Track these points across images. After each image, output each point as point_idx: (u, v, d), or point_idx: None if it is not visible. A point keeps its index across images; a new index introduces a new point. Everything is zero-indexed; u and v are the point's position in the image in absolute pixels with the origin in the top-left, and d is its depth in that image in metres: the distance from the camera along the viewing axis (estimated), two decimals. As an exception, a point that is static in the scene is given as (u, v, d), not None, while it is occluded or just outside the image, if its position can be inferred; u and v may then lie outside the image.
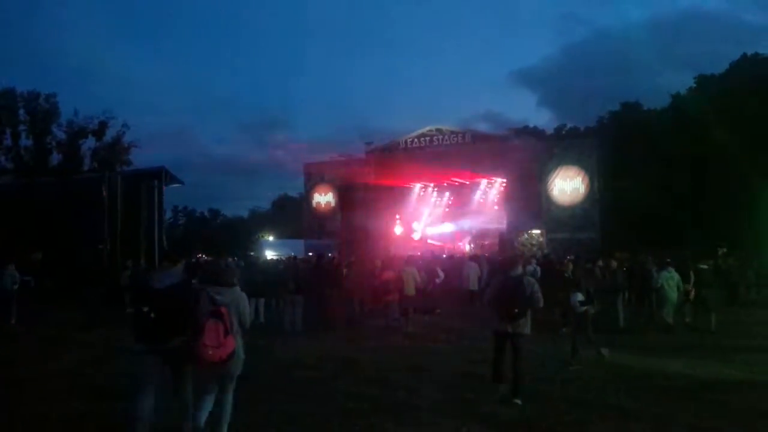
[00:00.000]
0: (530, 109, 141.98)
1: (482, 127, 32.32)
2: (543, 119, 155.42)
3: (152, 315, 4.82)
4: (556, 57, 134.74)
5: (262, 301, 14.38)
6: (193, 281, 5.46)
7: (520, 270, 7.14)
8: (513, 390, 6.70)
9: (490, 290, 7.16)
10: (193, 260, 21.28)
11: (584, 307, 9.15)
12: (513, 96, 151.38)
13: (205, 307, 4.90)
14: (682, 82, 77.70)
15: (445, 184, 35.89)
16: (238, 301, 5.15)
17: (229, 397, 5.13)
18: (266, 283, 14.43)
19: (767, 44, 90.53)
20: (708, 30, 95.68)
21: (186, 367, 5.00)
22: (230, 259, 21.77)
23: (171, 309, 4.81)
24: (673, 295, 12.35)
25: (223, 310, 4.91)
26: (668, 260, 13.23)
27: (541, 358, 9.08)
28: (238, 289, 5.25)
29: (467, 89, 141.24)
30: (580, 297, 9.14)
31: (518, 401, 6.56)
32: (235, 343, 4.95)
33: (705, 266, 13.69)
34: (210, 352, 4.72)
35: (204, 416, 5.12)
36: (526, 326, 6.86)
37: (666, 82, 70.73)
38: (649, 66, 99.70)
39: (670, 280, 12.40)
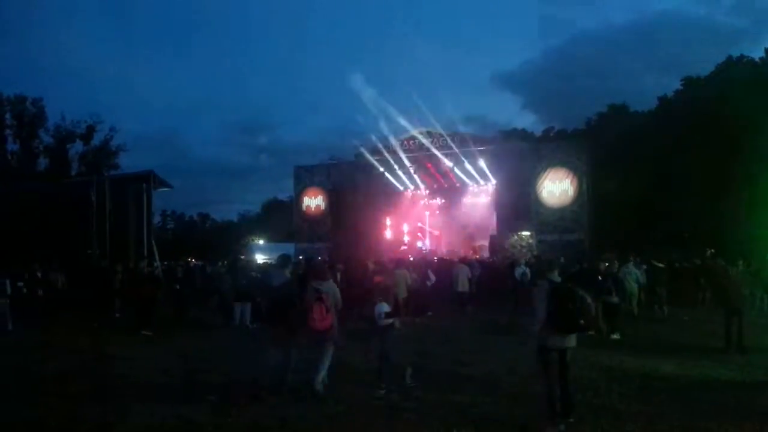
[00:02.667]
0: (514, 111, 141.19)
1: (466, 129, 32.41)
2: (527, 121, 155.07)
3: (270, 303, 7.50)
4: (539, 60, 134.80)
5: (248, 305, 13.88)
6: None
7: (556, 274, 6.39)
8: (565, 409, 5.98)
9: (539, 300, 6.12)
10: (183, 264, 21.16)
11: (390, 320, 7.50)
12: (496, 99, 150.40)
13: (311, 294, 7.22)
14: (663, 84, 78.45)
15: (435, 187, 35.90)
16: (333, 289, 7.47)
17: (328, 351, 7.28)
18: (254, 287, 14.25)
19: (745, 46, 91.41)
20: (687, 33, 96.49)
21: (294, 336, 7.29)
22: (219, 263, 21.75)
23: (282, 299, 7.30)
24: (633, 288, 14.02)
25: (323, 296, 7.20)
26: (629, 258, 15.11)
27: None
28: (331, 281, 7.81)
29: (449, 92, 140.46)
30: (385, 308, 7.43)
31: (572, 420, 5.97)
32: (332, 318, 7.27)
33: (660, 264, 15.68)
34: (317, 324, 7.11)
35: (318, 366, 7.17)
36: (575, 337, 6.14)
37: (647, 85, 71.36)
38: (631, 69, 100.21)
39: (629, 275, 13.95)
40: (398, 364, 7.67)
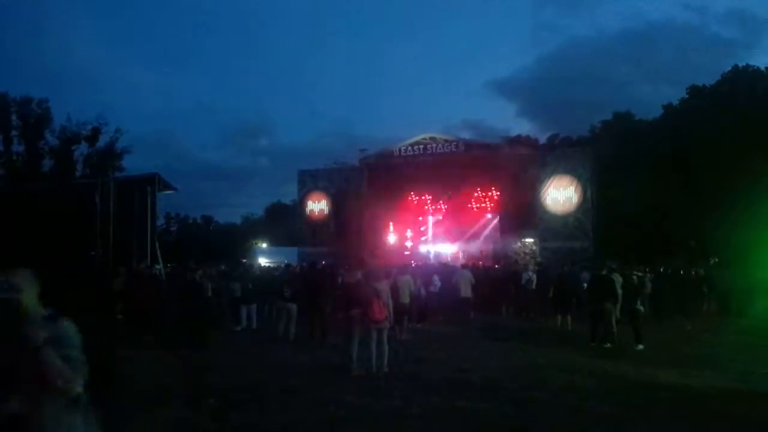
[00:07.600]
0: (509, 118, 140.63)
1: (462, 135, 32.38)
2: (522, 129, 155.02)
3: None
4: (533, 67, 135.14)
5: (254, 307, 14.27)
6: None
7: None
8: None
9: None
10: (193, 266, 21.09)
11: None
12: (491, 106, 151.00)
13: (372, 292, 8.83)
14: (659, 91, 78.59)
15: (439, 192, 35.88)
16: (387, 289, 9.21)
17: (385, 340, 8.94)
18: (259, 290, 14.36)
19: (740, 55, 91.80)
20: (681, 42, 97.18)
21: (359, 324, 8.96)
22: (222, 267, 21.72)
23: (358, 293, 9.01)
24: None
25: (381, 293, 8.89)
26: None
27: (540, 366, 9.09)
28: (385, 282, 9.48)
29: (446, 99, 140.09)
30: None
31: None
32: (387, 311, 8.90)
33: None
34: (376, 315, 8.72)
35: (374, 351, 8.76)
36: None
37: (643, 93, 71.35)
38: (626, 76, 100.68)
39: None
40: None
